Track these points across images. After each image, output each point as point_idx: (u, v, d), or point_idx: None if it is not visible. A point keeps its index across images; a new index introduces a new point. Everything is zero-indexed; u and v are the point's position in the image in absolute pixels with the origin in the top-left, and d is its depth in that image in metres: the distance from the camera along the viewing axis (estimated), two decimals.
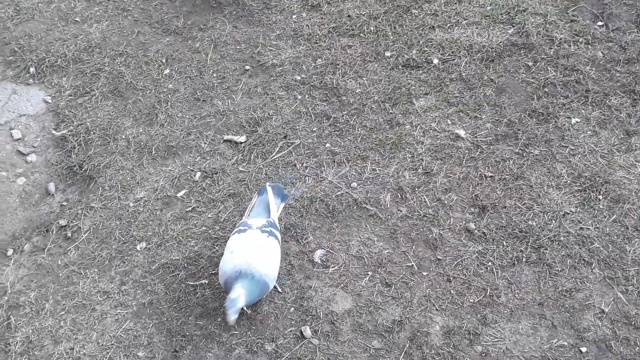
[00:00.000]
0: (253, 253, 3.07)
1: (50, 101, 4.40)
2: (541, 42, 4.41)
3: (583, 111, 4.02)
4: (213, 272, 3.41)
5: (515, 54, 4.38)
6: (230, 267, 3.03)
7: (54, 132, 4.21)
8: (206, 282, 3.39)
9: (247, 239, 3.15)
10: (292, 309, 3.27)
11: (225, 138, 4.10)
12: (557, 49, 4.37)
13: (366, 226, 3.58)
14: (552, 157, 3.82)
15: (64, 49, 4.69)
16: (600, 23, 4.51)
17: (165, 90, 4.39)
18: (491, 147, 3.89)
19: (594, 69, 4.23)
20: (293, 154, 3.97)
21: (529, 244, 3.42)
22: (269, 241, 3.16)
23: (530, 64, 4.31)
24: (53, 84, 4.51)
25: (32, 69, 4.60)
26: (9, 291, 3.47)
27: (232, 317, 2.92)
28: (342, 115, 4.15)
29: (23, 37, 4.82)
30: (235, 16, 4.89)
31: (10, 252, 3.65)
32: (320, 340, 3.15)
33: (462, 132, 3.97)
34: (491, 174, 3.75)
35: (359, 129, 4.06)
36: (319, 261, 3.44)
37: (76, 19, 4.97)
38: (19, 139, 4.20)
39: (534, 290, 3.27)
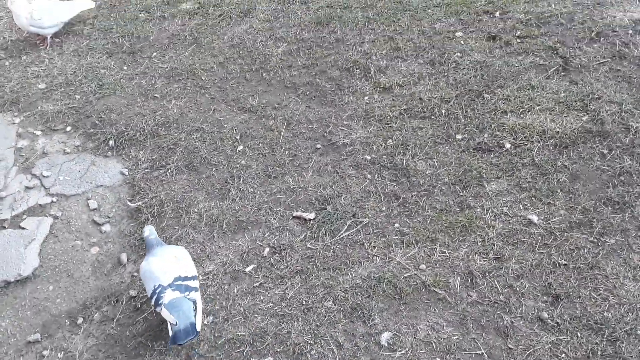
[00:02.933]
0: None
1: (126, 173, 4.53)
2: (616, 130, 4.36)
3: None
4: (279, 349, 3.39)
5: (589, 141, 4.33)
6: None
7: (129, 203, 4.32)
8: (271, 359, 3.36)
9: None
10: None
11: (294, 214, 4.13)
12: (632, 138, 4.30)
13: (435, 310, 3.52)
14: (628, 247, 3.72)
15: (142, 124, 4.86)
16: None
17: (238, 166, 4.48)
18: (565, 234, 3.81)
19: None
20: (361, 232, 3.97)
21: (605, 337, 3.30)
22: None
23: (605, 151, 4.25)
24: (130, 156, 4.65)
25: (111, 142, 4.76)
26: None
27: None
28: (412, 196, 4.15)
29: (104, 111, 5.02)
30: (309, 96, 5.00)
31: (80, 320, 3.70)
32: None
33: (534, 218, 3.91)
34: (565, 262, 3.66)
35: (429, 211, 4.04)
36: (386, 344, 3.39)
37: (156, 95, 5.16)
38: (95, 209, 4.32)
39: None
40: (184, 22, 5.95)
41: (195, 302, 3.39)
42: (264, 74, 5.26)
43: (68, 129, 4.93)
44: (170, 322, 3.30)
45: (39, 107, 5.12)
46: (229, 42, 5.64)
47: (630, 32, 5.09)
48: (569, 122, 4.46)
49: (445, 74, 5.02)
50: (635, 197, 3.96)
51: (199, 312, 3.38)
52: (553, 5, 5.48)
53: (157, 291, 3.36)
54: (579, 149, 4.29)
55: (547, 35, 5.20)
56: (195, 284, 3.45)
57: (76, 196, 4.41)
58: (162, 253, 3.56)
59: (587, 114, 4.51)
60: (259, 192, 4.29)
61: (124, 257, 4.00)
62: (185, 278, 3.43)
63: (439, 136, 4.54)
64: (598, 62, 4.89)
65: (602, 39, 5.08)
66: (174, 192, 4.34)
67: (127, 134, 4.78)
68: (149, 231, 3.67)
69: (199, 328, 3.31)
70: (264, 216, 4.14)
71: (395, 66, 5.16)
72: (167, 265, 3.47)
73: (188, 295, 3.37)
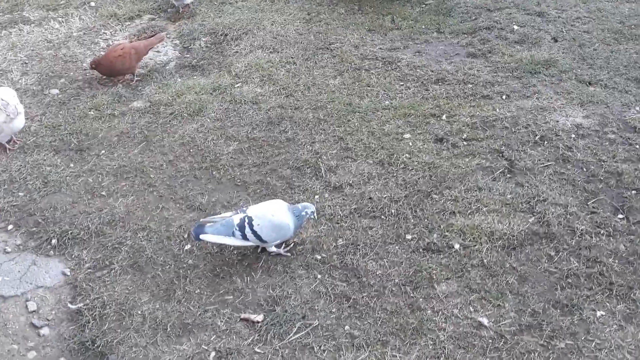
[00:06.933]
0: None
1: (68, 274, 4.39)
2: (562, 232, 4.42)
3: (608, 304, 3.95)
4: None
5: (536, 242, 4.38)
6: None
7: (69, 305, 4.17)
8: None
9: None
10: None
11: (242, 316, 4.03)
12: (578, 240, 4.36)
13: None
14: (578, 350, 3.71)
15: (87, 222, 4.75)
16: (621, 216, 4.53)
17: (185, 265, 4.39)
18: (515, 337, 3.79)
19: (616, 261, 4.20)
20: (311, 335, 3.88)
21: None
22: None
23: (552, 253, 4.29)
24: (73, 256, 4.52)
25: (53, 241, 4.63)
26: None
27: None
28: (362, 297, 4.10)
29: (48, 209, 4.90)
30: (259, 195, 4.97)
31: None
32: None
33: (485, 320, 3.89)
34: None
35: (379, 312, 3.99)
36: None
37: (102, 192, 5.08)
38: (34, 311, 4.15)
39: None
40: (134, 120, 5.93)
41: (233, 234, 4.23)
42: (214, 172, 5.24)
43: (9, 227, 4.78)
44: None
45: None
46: (179, 140, 5.62)
47: (573, 136, 5.25)
48: (516, 223, 4.51)
49: (395, 174, 5.07)
50: (583, 299, 3.98)
51: (220, 239, 4.25)
52: (497, 110, 5.64)
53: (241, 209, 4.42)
54: (527, 251, 4.33)
55: (493, 138, 5.32)
56: (249, 235, 4.23)
57: (15, 297, 4.24)
58: (270, 204, 4.44)
59: (534, 215, 4.58)
60: (205, 292, 4.20)
61: None
62: (252, 226, 4.22)
63: (389, 236, 4.53)
64: (543, 165, 5.00)
65: (546, 142, 5.22)
66: (117, 293, 4.20)
67: (71, 233, 4.66)
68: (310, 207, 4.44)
69: (201, 237, 4.22)
70: (210, 318, 4.02)
71: (346, 166, 5.19)
72: (260, 207, 4.39)
73: (236, 230, 4.22)
